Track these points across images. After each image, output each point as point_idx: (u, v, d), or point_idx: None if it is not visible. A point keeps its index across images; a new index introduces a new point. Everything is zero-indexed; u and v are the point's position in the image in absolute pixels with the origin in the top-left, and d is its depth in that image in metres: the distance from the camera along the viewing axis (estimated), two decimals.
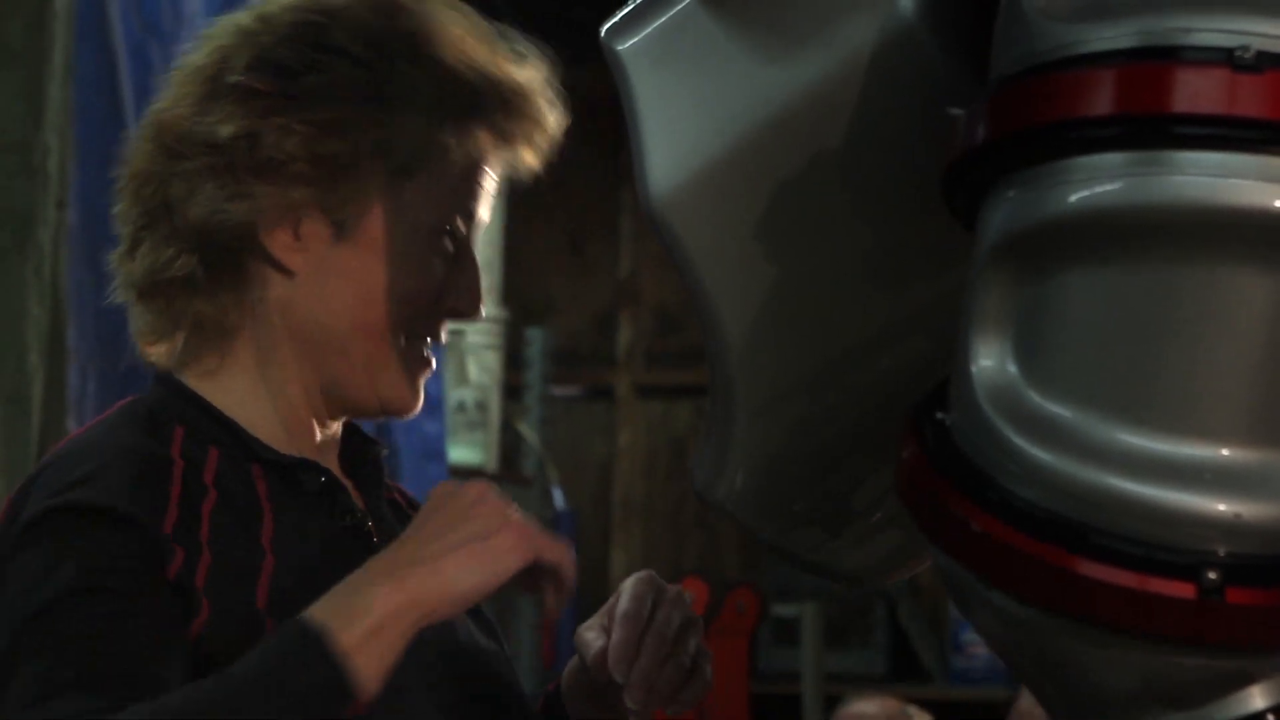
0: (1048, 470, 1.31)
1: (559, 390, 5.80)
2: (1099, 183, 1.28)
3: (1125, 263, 1.29)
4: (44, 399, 3.60)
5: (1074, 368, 1.31)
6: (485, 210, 1.67)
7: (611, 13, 1.52)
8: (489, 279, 6.27)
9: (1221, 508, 1.28)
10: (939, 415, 1.38)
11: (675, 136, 1.49)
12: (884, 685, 5.34)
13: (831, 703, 4.75)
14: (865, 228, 1.54)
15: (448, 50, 1.62)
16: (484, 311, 1.68)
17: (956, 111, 1.35)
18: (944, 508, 1.35)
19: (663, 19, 1.50)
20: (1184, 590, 1.27)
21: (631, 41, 1.50)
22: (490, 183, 1.66)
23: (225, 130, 1.59)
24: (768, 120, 1.49)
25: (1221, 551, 1.27)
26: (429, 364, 1.67)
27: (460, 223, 1.64)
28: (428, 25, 1.63)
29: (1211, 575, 1.27)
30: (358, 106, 1.60)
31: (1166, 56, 1.27)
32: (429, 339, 1.66)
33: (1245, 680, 1.32)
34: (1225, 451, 1.29)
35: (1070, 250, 1.30)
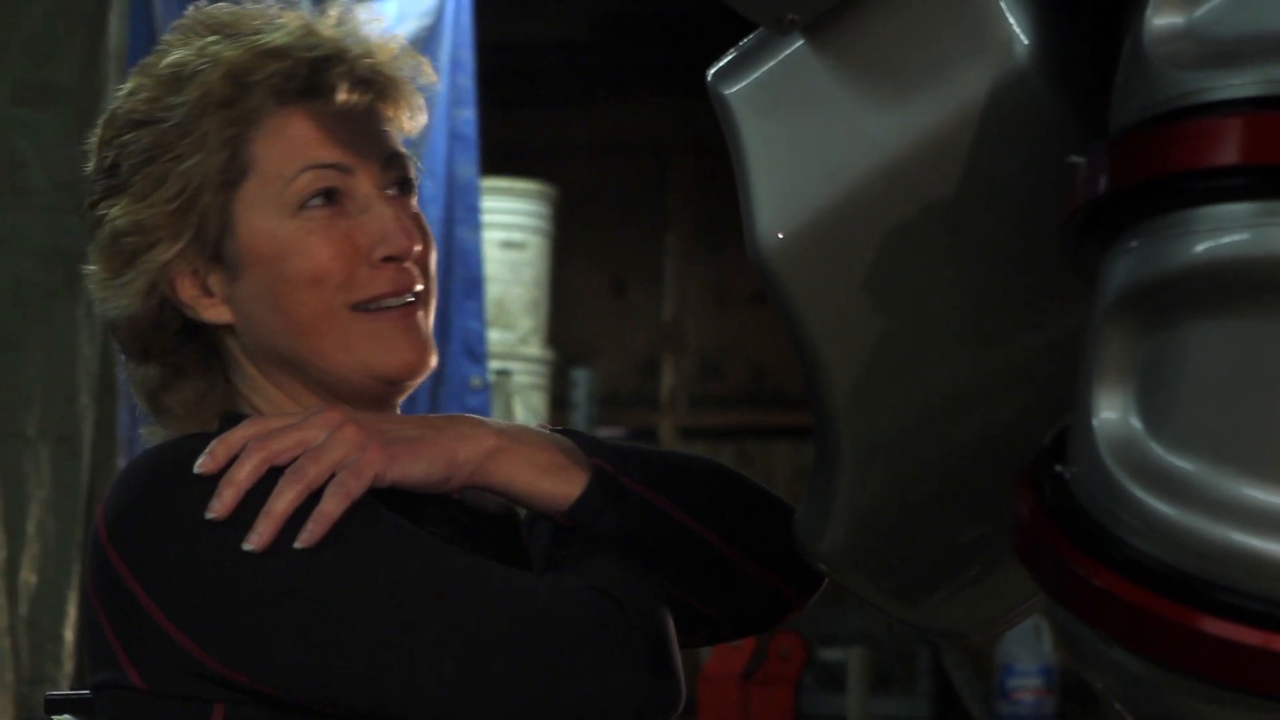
0: (1171, 525, 1.27)
1: (603, 432, 5.79)
2: (1225, 233, 1.25)
3: (1252, 314, 1.25)
4: (94, 439, 3.59)
5: (1199, 421, 1.28)
6: (348, 151, 1.68)
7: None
8: (534, 320, 6.30)
9: None
10: (1058, 469, 1.35)
11: (783, 182, 1.47)
12: None
13: None
14: (971, 277, 1.51)
15: (210, 69, 1.67)
16: (413, 242, 1.68)
17: (1076, 159, 1.32)
18: (1063, 563, 1.32)
19: (771, 64, 1.48)
20: None
21: (739, 86, 1.49)
22: (323, 126, 1.68)
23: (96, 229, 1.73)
24: (877, 168, 1.46)
25: None
26: (406, 315, 1.68)
27: (318, 183, 1.67)
28: (188, 55, 1.69)
29: None
30: (155, 165, 1.67)
31: None
32: (387, 295, 1.68)
33: None
34: None
35: (1195, 301, 1.27)
